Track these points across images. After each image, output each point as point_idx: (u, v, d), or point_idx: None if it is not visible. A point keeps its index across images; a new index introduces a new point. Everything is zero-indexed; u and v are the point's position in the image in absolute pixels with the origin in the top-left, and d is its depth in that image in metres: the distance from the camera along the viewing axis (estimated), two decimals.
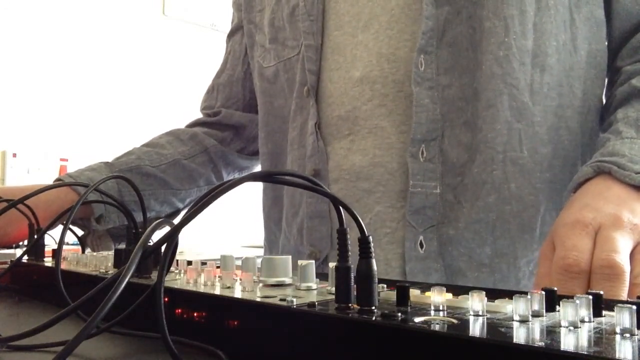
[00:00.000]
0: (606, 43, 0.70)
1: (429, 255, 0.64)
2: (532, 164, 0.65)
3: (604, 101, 0.72)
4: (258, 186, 0.90)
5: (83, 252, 0.60)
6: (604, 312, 0.27)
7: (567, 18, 0.66)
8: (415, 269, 0.63)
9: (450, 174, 0.64)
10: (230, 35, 0.97)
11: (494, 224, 0.64)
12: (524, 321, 0.24)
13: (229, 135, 0.96)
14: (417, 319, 0.25)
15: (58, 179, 0.80)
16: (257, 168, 1.02)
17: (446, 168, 0.64)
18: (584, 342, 0.21)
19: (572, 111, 0.67)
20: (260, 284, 0.36)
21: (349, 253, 0.29)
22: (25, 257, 0.56)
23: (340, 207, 0.29)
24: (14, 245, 0.79)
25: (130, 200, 0.78)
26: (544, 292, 0.26)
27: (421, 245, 0.64)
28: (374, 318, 0.25)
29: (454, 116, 0.64)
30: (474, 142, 0.64)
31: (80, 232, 0.80)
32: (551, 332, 0.23)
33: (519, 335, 0.22)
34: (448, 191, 0.64)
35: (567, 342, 0.21)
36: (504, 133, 0.63)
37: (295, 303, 0.29)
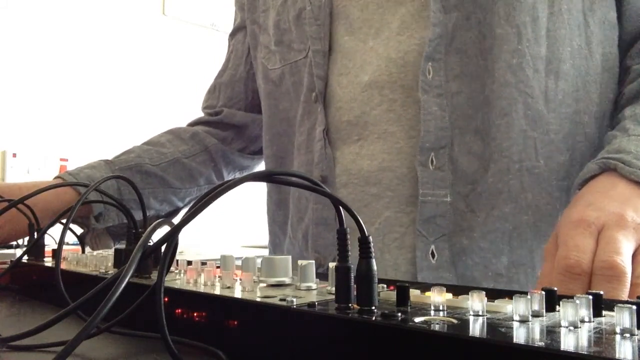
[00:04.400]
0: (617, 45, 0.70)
1: (441, 265, 0.63)
2: (548, 173, 0.64)
3: None
4: (259, 186, 0.90)
5: (83, 252, 0.60)
6: (604, 312, 0.27)
7: (582, 22, 0.66)
8: (427, 278, 0.62)
9: (461, 182, 0.63)
10: (233, 35, 0.96)
11: (511, 234, 0.63)
12: (524, 321, 0.24)
13: (230, 135, 0.95)
14: (417, 319, 0.25)
15: (57, 177, 0.80)
16: (259, 168, 1.02)
17: (457, 176, 0.63)
18: (584, 342, 0.21)
19: (589, 117, 0.67)
20: (260, 284, 0.36)
21: (349, 253, 0.29)
22: (25, 257, 0.56)
23: (341, 208, 0.29)
24: (14, 245, 0.79)
25: (130, 198, 0.77)
26: (544, 292, 0.26)
27: (432, 255, 0.63)
28: (374, 318, 0.25)
29: (463, 124, 0.64)
30: (486, 151, 0.63)
31: (79, 231, 0.80)
32: (551, 332, 0.23)
33: (519, 335, 0.22)
34: (459, 200, 0.63)
35: (567, 342, 0.21)
36: (520, 142, 0.63)
37: (295, 303, 0.29)
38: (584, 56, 0.66)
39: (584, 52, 0.66)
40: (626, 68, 0.70)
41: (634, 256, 0.46)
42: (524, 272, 0.64)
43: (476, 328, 0.23)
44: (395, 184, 0.66)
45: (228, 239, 2.39)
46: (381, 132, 0.67)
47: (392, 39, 0.68)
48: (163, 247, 0.29)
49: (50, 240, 0.67)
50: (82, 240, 0.77)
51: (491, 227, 0.63)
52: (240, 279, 0.37)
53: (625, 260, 0.44)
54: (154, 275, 0.41)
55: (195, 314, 0.34)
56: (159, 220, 0.32)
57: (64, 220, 0.53)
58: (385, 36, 0.68)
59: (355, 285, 0.28)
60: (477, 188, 0.63)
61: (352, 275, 0.28)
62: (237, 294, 0.32)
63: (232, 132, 0.96)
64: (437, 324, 0.24)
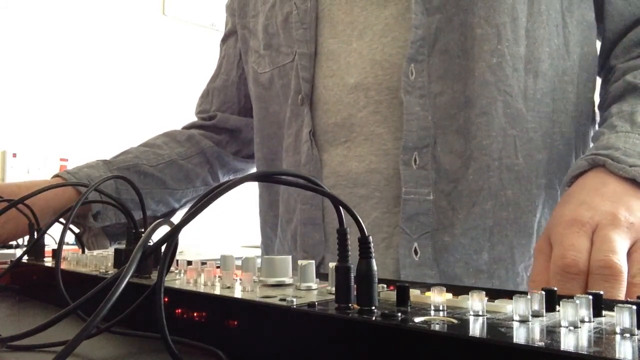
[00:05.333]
0: (596, 46, 0.71)
1: (424, 262, 0.64)
2: (527, 170, 0.65)
3: (597, 102, 0.72)
4: (257, 187, 0.90)
5: (83, 252, 0.60)
6: (604, 312, 0.27)
7: (560, 22, 0.67)
8: (410, 275, 0.63)
9: (443, 181, 0.65)
10: (224, 40, 0.97)
11: (491, 231, 0.64)
12: (524, 321, 0.24)
13: (224, 138, 0.96)
14: (417, 319, 0.25)
15: (56, 175, 0.80)
16: (253, 170, 1.02)
17: (439, 175, 0.65)
18: (584, 342, 0.21)
19: (566, 116, 0.68)
20: (260, 284, 0.36)
21: (349, 253, 0.29)
22: (25, 257, 0.56)
23: (340, 208, 0.29)
24: (14, 245, 0.79)
25: (128, 198, 0.78)
26: (544, 292, 0.26)
27: (415, 252, 0.64)
28: (374, 318, 0.25)
29: (446, 123, 0.65)
30: (467, 149, 0.64)
31: (75, 230, 0.80)
32: (551, 332, 0.23)
33: (519, 335, 0.22)
34: (441, 198, 0.65)
35: (567, 342, 0.21)
36: (499, 140, 0.64)
37: (295, 303, 0.29)
38: (561, 56, 0.67)
39: (562, 53, 0.67)
40: (611, 67, 0.71)
41: (628, 255, 0.46)
42: (504, 268, 0.65)
43: (476, 328, 0.23)
44: (382, 185, 0.67)
45: (228, 239, 2.39)
46: (368, 134, 0.68)
47: (376, 41, 0.68)
48: (163, 247, 0.29)
49: (50, 240, 0.67)
50: (80, 240, 0.77)
51: (472, 223, 0.64)
52: (240, 279, 0.37)
53: (621, 259, 0.44)
54: (154, 275, 0.41)
55: (195, 314, 0.34)
56: (159, 220, 0.32)
57: (63, 220, 0.53)
58: (368, 38, 0.69)
59: (355, 285, 0.28)
60: (459, 186, 0.65)
61: (352, 275, 0.29)
62: (237, 294, 0.32)
63: (226, 136, 0.96)
64: (437, 324, 0.24)
